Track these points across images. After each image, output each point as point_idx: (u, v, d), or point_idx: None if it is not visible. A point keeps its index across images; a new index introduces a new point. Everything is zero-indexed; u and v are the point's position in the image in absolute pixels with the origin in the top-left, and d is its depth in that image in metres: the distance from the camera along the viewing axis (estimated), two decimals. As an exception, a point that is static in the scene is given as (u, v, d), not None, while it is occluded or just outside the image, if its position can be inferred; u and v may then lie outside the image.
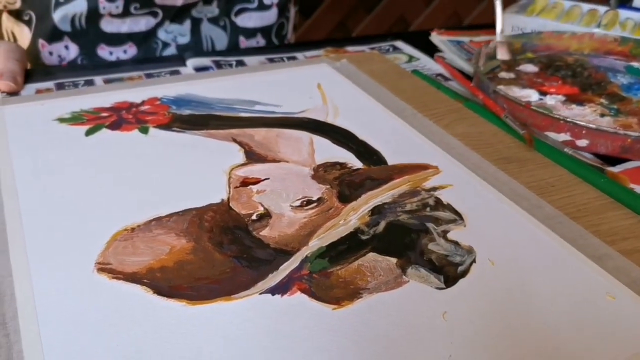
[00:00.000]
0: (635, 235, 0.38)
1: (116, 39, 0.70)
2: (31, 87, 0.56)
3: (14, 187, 0.40)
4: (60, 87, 0.56)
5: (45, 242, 0.35)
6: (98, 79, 0.58)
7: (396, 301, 0.32)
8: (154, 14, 0.70)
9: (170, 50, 0.73)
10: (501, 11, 0.65)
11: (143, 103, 0.52)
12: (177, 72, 0.60)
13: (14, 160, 0.43)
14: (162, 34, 0.72)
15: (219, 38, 0.75)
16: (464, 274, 0.34)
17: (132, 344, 0.29)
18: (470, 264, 0.35)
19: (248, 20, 0.76)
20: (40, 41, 0.69)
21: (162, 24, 0.71)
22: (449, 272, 0.34)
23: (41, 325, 0.30)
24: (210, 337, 0.29)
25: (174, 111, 0.51)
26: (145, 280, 0.32)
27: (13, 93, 0.55)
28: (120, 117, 0.49)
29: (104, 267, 0.33)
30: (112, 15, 0.67)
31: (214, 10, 0.73)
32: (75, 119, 0.49)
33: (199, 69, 0.61)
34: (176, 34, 0.72)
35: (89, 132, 0.47)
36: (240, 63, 0.63)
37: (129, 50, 0.71)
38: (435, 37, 0.69)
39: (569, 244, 0.37)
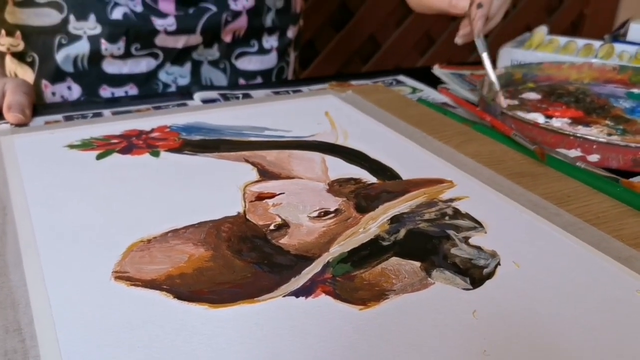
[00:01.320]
0: (658, 238, 0.38)
1: (118, 80, 0.70)
2: (40, 120, 0.56)
3: (25, 205, 0.39)
4: (68, 119, 0.56)
5: (59, 255, 0.34)
6: (106, 112, 0.58)
7: (424, 301, 0.31)
8: (155, 56, 0.71)
9: (170, 91, 0.73)
10: (490, 66, 0.60)
11: (153, 131, 0.52)
12: (184, 105, 0.61)
13: (25, 182, 0.42)
14: (162, 75, 0.72)
15: (219, 80, 0.76)
16: (489, 275, 0.33)
17: (154, 345, 0.28)
18: (495, 267, 0.34)
19: (248, 63, 0.78)
20: (44, 82, 0.69)
21: (162, 66, 0.72)
22: (474, 274, 0.33)
23: (58, 330, 0.29)
24: (235, 338, 0.28)
25: (184, 137, 0.51)
26: (164, 287, 0.31)
27: (21, 125, 0.55)
28: (131, 143, 0.49)
29: (121, 275, 0.32)
30: (113, 57, 0.68)
31: (214, 53, 0.74)
32: (85, 145, 0.49)
33: (206, 102, 0.62)
34: (177, 75, 0.73)
35: (99, 157, 0.47)
36: (247, 96, 0.63)
37: (130, 91, 0.71)
38: (438, 70, 0.71)
39: (592, 247, 0.36)
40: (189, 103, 0.61)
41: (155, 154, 0.47)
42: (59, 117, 0.57)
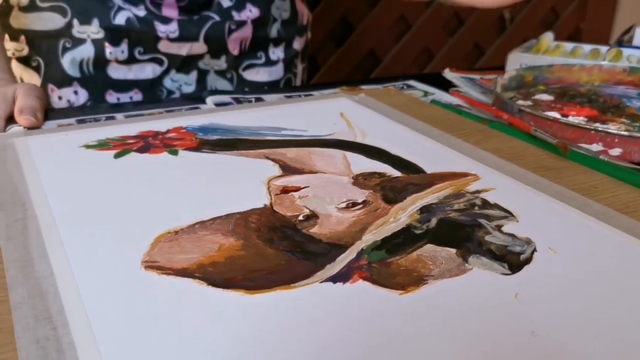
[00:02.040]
0: (691, 224, 0.37)
1: (123, 86, 0.70)
2: (52, 123, 0.55)
3: (45, 201, 0.39)
4: (81, 122, 0.56)
5: (83, 247, 0.33)
6: (119, 115, 0.57)
7: (464, 286, 0.30)
8: (160, 62, 0.71)
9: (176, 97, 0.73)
10: None
11: (168, 131, 0.51)
12: (197, 109, 0.60)
13: (43, 179, 0.42)
14: (167, 82, 0.72)
15: (225, 89, 0.75)
16: (527, 261, 0.33)
17: (190, 331, 0.27)
18: (532, 253, 0.33)
19: (256, 74, 0.77)
20: (50, 86, 0.69)
21: (168, 72, 0.72)
22: (512, 260, 0.33)
23: (90, 316, 0.28)
24: (274, 323, 0.27)
25: (201, 137, 0.50)
26: (197, 275, 0.31)
27: (34, 128, 0.54)
28: (148, 143, 0.48)
29: (151, 265, 0.31)
30: (118, 62, 0.68)
31: (222, 64, 0.74)
32: (101, 145, 0.48)
33: (219, 106, 0.61)
34: (182, 82, 0.73)
35: (117, 155, 0.46)
36: (259, 100, 0.63)
37: (135, 97, 0.71)
38: (449, 74, 0.71)
39: (627, 234, 0.36)
40: (202, 107, 0.61)
41: (174, 152, 0.47)
42: (71, 120, 0.56)
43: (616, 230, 0.36)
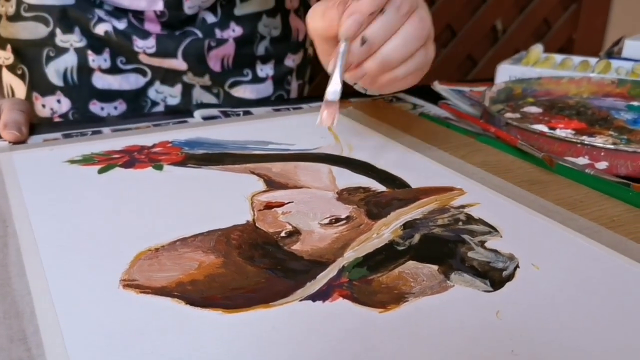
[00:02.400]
0: (676, 239, 0.37)
1: (107, 95, 0.70)
2: (38, 137, 0.55)
3: (26, 217, 0.38)
4: (67, 137, 0.55)
5: (63, 264, 0.33)
6: (106, 130, 0.57)
7: (445, 303, 0.30)
8: (143, 73, 0.70)
9: (159, 109, 0.73)
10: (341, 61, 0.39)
11: (154, 146, 0.51)
12: (185, 122, 0.60)
13: (26, 195, 0.41)
14: (152, 93, 0.72)
15: (211, 102, 0.74)
16: (509, 277, 0.32)
17: (167, 351, 0.26)
18: (515, 269, 0.33)
19: (243, 92, 0.76)
20: (35, 94, 0.69)
21: (152, 84, 0.71)
22: (494, 277, 0.32)
23: (66, 337, 0.27)
24: (252, 342, 0.27)
25: (186, 151, 0.50)
26: (175, 293, 0.30)
27: (19, 143, 0.53)
28: (133, 158, 0.48)
29: (130, 283, 0.31)
30: (102, 71, 0.68)
31: (206, 81, 0.73)
32: (86, 160, 0.48)
33: (207, 119, 0.61)
34: (166, 94, 0.72)
35: (101, 171, 0.46)
36: (247, 114, 0.63)
37: (120, 107, 0.71)
38: (438, 86, 0.71)
39: (611, 249, 0.35)
40: (189, 120, 0.60)
41: (159, 167, 0.46)
42: (57, 135, 0.56)
43: (600, 246, 0.36)
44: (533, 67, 0.75)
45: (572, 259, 0.34)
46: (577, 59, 0.78)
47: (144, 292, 0.30)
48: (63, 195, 0.42)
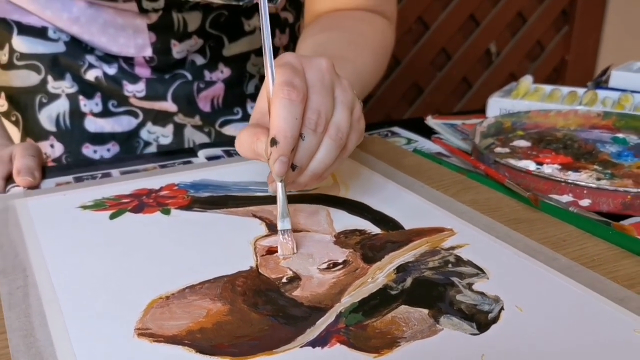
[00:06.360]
0: (651, 278, 0.39)
1: (100, 138, 0.73)
2: (50, 182, 0.58)
3: (45, 266, 0.41)
4: (78, 180, 0.58)
5: (82, 314, 0.36)
6: (115, 172, 0.60)
7: (435, 347, 0.33)
8: (135, 115, 0.73)
9: (151, 149, 0.74)
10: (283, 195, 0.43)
11: (161, 189, 0.54)
12: (189, 163, 0.63)
13: (43, 244, 0.44)
14: (144, 134, 0.74)
15: (203, 141, 0.76)
16: (495, 320, 0.35)
17: (181, 399, 0.29)
18: (500, 311, 0.36)
19: (235, 130, 0.77)
20: (28, 139, 0.72)
21: (144, 125, 0.73)
22: (480, 319, 0.35)
23: (88, 387, 0.30)
24: (257, 389, 0.30)
25: (192, 194, 0.53)
26: (186, 342, 0.33)
27: (32, 187, 0.56)
28: (142, 202, 0.51)
29: (143, 332, 0.34)
30: (94, 115, 0.71)
31: (196, 121, 0.75)
32: (98, 205, 0.51)
33: (210, 159, 0.64)
34: (159, 134, 0.74)
35: (113, 216, 0.49)
36: (249, 152, 0.66)
37: (112, 149, 0.73)
38: (431, 121, 0.74)
39: (589, 289, 0.38)
40: (194, 161, 0.63)
41: (166, 212, 0.49)
42: (69, 178, 0.59)
43: (579, 286, 0.38)
44: (522, 99, 0.78)
45: (553, 300, 0.37)
46: (565, 90, 0.81)
47: (157, 340, 0.33)
48: (78, 242, 0.44)
